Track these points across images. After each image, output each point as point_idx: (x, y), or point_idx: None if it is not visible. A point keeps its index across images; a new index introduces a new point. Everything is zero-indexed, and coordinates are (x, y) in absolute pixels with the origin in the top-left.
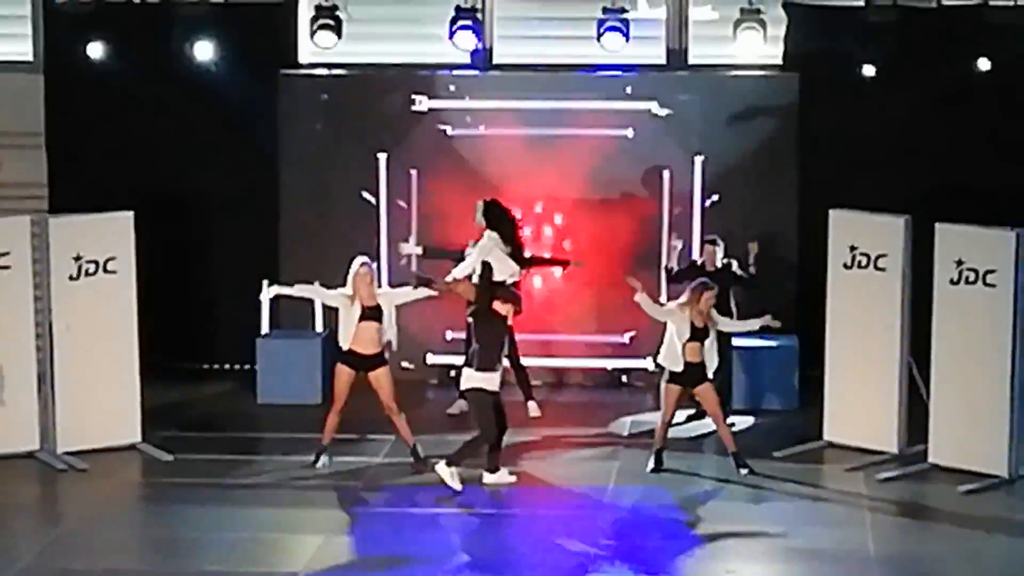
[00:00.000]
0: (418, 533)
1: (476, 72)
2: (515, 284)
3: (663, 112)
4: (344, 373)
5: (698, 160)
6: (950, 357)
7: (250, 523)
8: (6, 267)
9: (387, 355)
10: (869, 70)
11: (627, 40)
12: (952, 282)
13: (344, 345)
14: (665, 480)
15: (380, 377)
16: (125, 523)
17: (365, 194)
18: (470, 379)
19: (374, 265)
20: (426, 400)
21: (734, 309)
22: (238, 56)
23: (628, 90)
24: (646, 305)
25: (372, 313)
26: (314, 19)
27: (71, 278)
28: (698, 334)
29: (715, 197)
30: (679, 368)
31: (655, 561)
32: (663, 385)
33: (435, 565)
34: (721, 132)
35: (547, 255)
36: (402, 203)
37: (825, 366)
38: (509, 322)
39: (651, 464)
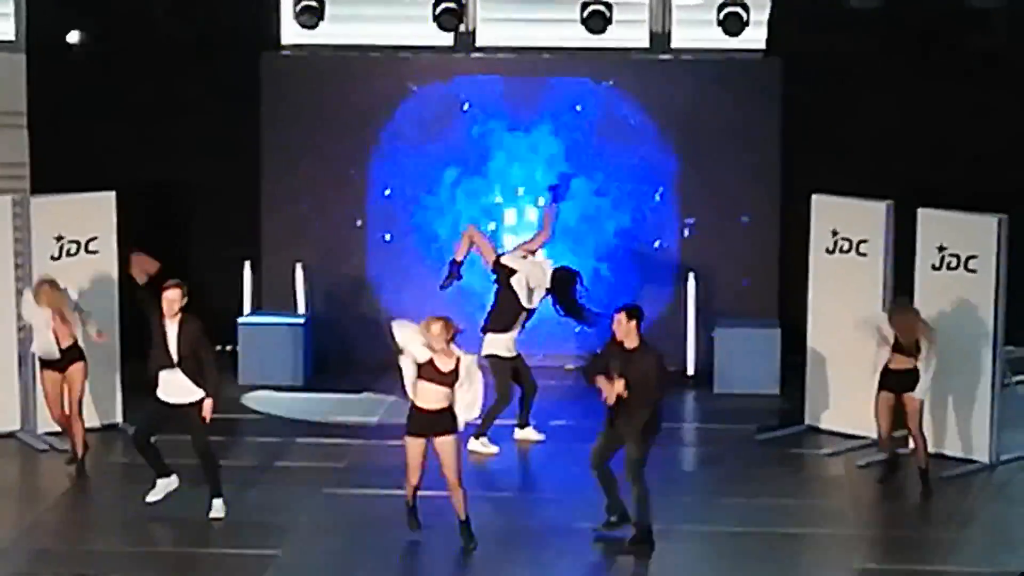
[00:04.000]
0: (400, 514)
1: (460, 54)
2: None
3: None
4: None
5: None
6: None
7: (231, 504)
8: None
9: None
10: (852, 55)
11: (610, 23)
12: (934, 268)
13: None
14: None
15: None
16: (106, 503)
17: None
18: (488, 344)
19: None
20: None
21: None
22: (221, 37)
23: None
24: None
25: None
26: (297, 0)
27: (52, 258)
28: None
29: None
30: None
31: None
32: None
33: (417, 546)
34: (703, 116)
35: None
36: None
37: (807, 351)
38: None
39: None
